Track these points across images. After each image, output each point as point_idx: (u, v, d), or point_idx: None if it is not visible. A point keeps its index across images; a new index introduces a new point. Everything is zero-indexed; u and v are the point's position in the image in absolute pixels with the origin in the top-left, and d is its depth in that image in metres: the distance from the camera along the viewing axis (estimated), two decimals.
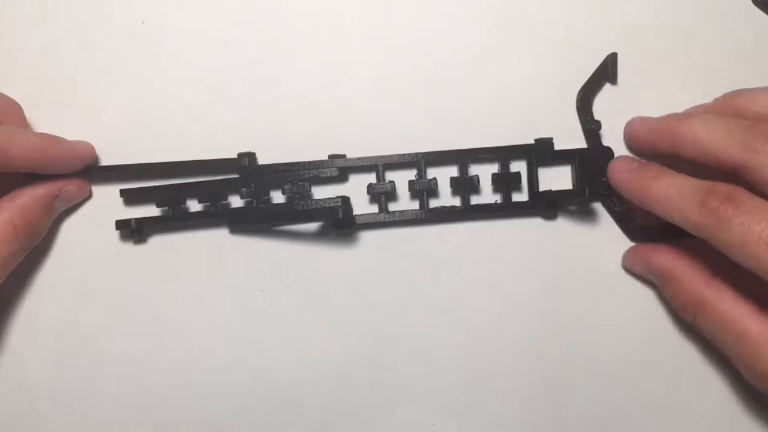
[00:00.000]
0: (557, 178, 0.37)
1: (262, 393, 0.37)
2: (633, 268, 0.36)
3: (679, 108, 0.36)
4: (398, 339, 0.37)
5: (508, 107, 0.37)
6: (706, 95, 0.37)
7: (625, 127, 0.37)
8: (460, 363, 0.37)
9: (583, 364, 0.37)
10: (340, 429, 0.37)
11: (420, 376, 0.37)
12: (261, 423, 0.37)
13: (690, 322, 0.33)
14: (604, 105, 0.37)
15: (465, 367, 0.37)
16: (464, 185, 0.36)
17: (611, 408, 0.37)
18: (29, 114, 0.36)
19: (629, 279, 0.37)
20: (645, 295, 0.37)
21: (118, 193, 0.36)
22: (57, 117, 0.37)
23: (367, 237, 0.37)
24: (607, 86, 0.37)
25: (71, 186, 0.35)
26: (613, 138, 0.37)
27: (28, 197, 0.33)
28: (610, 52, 0.37)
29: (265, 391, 0.37)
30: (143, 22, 0.37)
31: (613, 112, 0.37)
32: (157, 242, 0.37)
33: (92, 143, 0.36)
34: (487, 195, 0.37)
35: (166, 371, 0.37)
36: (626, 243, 0.37)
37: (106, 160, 0.37)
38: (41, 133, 0.34)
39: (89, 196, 0.36)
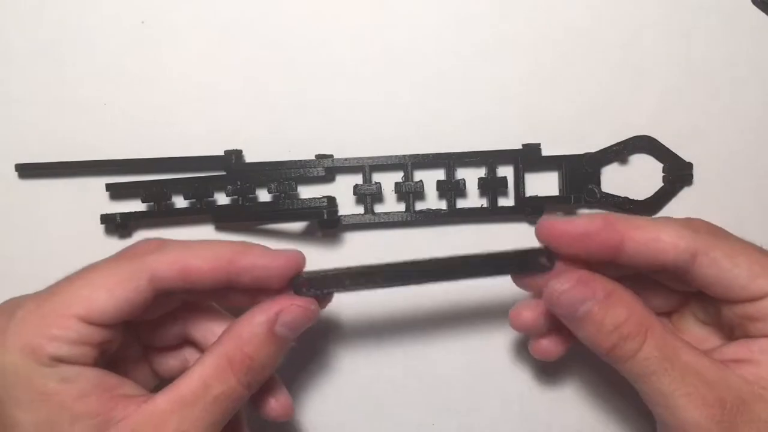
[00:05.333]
0: (545, 184, 0.37)
1: None
2: (560, 296, 0.28)
3: (680, 106, 0.37)
4: (393, 339, 0.37)
5: (499, 111, 0.37)
6: (706, 95, 0.37)
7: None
8: (458, 363, 0.37)
9: (580, 365, 0.37)
10: (340, 429, 0.37)
11: (419, 375, 0.37)
12: None
13: (629, 353, 0.27)
14: (603, 106, 0.37)
15: (464, 368, 0.37)
16: (450, 189, 0.36)
17: (610, 408, 0.37)
18: (29, 114, 0.36)
19: None
20: None
21: (104, 188, 0.36)
22: (57, 117, 0.37)
23: (353, 238, 0.37)
24: (607, 90, 0.37)
25: (293, 307, 0.28)
26: (604, 141, 0.37)
27: (244, 326, 0.28)
28: (610, 52, 0.37)
29: None
30: (143, 22, 0.37)
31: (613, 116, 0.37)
32: (143, 237, 0.37)
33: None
34: (473, 199, 0.37)
35: None
36: None
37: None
38: (230, 242, 0.29)
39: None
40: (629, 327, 0.27)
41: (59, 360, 0.26)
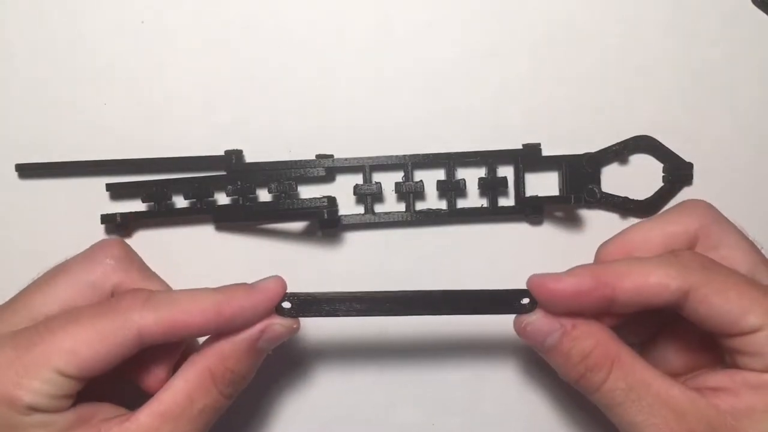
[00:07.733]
0: (545, 184, 0.37)
1: None
2: (526, 328, 0.29)
3: (680, 106, 0.37)
4: (393, 339, 0.37)
5: (499, 111, 0.37)
6: (706, 95, 0.37)
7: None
8: (459, 363, 0.37)
9: None
10: (340, 429, 0.37)
11: (420, 376, 0.37)
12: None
13: (595, 384, 0.28)
14: (603, 106, 0.37)
15: (465, 368, 0.37)
16: (451, 189, 0.36)
17: None
18: (29, 114, 0.36)
19: None
20: None
21: (104, 188, 0.36)
22: (57, 117, 0.37)
23: (353, 238, 0.37)
24: (607, 90, 0.37)
25: (276, 325, 0.29)
26: (604, 141, 0.37)
27: (226, 342, 0.29)
28: (610, 52, 0.37)
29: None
30: (143, 22, 0.37)
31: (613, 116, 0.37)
32: (143, 237, 0.37)
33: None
34: (473, 199, 0.37)
35: None
36: None
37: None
38: (211, 290, 0.29)
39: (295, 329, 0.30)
40: (595, 358, 0.28)
41: (36, 409, 0.27)
